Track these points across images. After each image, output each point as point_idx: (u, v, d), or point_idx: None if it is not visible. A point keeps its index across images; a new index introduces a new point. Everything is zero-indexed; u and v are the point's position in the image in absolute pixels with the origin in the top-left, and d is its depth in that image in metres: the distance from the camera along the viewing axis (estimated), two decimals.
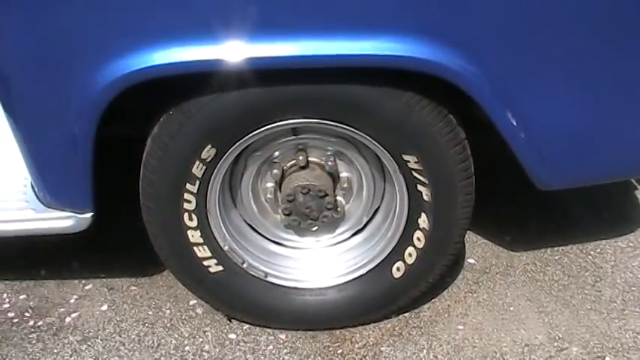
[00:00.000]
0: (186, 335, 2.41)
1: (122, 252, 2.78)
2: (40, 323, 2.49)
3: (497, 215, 2.91)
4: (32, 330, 2.47)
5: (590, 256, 2.72)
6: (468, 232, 2.74)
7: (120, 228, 2.70)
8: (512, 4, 1.78)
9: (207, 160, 2.03)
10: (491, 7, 1.78)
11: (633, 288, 2.55)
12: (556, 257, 2.72)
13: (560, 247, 2.76)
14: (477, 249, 2.78)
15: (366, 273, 2.31)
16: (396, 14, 1.78)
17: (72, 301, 2.60)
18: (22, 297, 2.62)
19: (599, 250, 2.75)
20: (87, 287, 2.66)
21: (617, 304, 2.48)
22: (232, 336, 2.40)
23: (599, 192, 3.01)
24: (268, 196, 2.28)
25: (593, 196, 3.02)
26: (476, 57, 1.84)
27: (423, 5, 1.77)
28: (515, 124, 1.94)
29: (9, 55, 1.87)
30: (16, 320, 2.51)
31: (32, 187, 2.20)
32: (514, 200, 2.98)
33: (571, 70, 1.92)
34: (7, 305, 2.59)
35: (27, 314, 2.54)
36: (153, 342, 2.39)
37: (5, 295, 2.64)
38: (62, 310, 2.56)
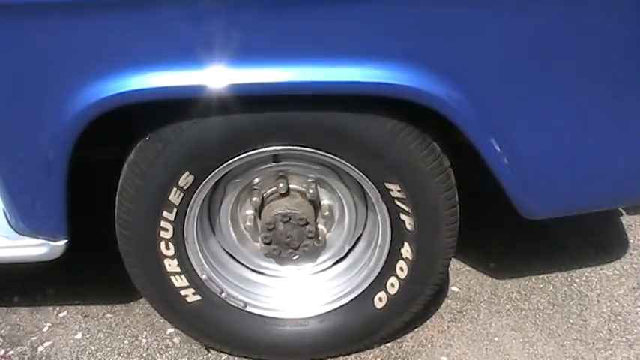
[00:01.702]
0: None
1: (98, 278, 2.71)
2: (10, 352, 2.42)
3: (482, 241, 2.88)
4: (2, 359, 2.39)
5: (575, 284, 2.68)
6: (452, 258, 2.69)
7: (96, 253, 2.64)
8: (497, 31, 1.74)
9: (185, 188, 1.98)
10: (475, 35, 1.74)
11: (619, 317, 2.51)
12: (541, 285, 2.68)
13: (546, 275, 2.73)
14: (461, 276, 2.74)
15: (348, 303, 2.26)
16: (380, 41, 1.74)
17: (45, 329, 2.53)
18: None
19: (584, 277, 2.72)
20: (61, 314, 2.59)
21: (602, 333, 2.45)
22: None
23: (585, 218, 2.95)
24: (248, 224, 2.22)
25: (579, 223, 2.98)
26: (460, 84, 1.80)
27: (407, 32, 1.73)
28: (499, 151, 1.91)
29: None
30: None
31: (4, 213, 2.14)
32: (499, 226, 2.93)
33: (557, 99, 1.88)
34: None
35: None
36: None
37: None
38: (34, 338, 2.49)
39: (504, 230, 2.93)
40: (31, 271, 2.44)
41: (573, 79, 1.86)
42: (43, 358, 2.40)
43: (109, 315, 2.58)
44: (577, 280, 2.71)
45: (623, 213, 3.04)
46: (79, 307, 2.62)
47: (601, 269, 2.76)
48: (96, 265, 2.73)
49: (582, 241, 2.92)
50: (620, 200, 2.32)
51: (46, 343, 2.46)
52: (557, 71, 1.84)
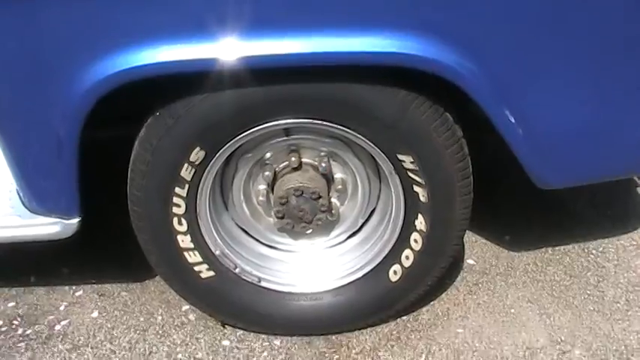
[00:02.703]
0: (179, 342, 2.35)
1: (113, 257, 2.72)
2: (29, 332, 2.43)
3: (497, 214, 2.86)
4: (21, 339, 2.41)
5: (592, 256, 2.66)
6: (467, 231, 2.67)
7: (111, 232, 2.65)
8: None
9: (197, 163, 1.97)
10: (488, 3, 1.72)
11: (637, 288, 2.49)
12: (557, 257, 2.66)
13: (562, 247, 2.70)
14: (477, 249, 2.72)
15: (363, 276, 2.25)
16: (392, 10, 1.72)
17: (62, 308, 2.54)
18: (10, 305, 2.56)
19: (601, 249, 2.69)
20: (77, 294, 2.60)
21: (620, 304, 2.43)
22: (226, 342, 2.34)
23: (602, 189, 2.95)
24: (260, 198, 2.22)
25: (596, 194, 2.96)
26: (473, 54, 1.79)
27: (419, 1, 1.71)
28: (513, 121, 1.89)
29: None
30: (4, 329, 2.45)
31: (18, 193, 2.14)
32: (514, 198, 2.92)
33: (571, 68, 1.87)
34: None
35: (15, 322, 2.48)
36: (144, 349, 2.33)
37: None
38: (52, 317, 2.50)
39: (520, 202, 2.91)
40: (47, 252, 2.45)
41: (588, 48, 1.84)
42: (60, 336, 2.41)
43: (125, 293, 2.59)
44: (594, 251, 2.69)
45: None
46: (95, 286, 2.63)
47: (618, 240, 2.74)
48: (111, 244, 2.73)
49: (599, 212, 2.90)
50: (635, 169, 2.28)
51: (63, 322, 2.47)
52: (571, 40, 1.82)
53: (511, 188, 2.79)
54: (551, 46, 1.81)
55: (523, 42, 1.80)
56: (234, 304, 2.28)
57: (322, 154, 2.16)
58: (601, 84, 1.91)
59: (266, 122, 1.92)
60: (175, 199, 2.03)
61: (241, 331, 2.37)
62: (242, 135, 1.94)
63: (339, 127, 1.94)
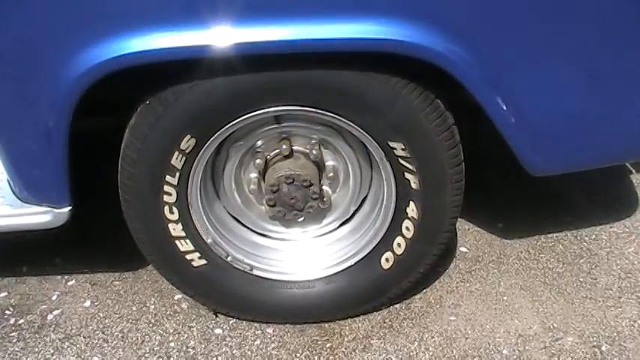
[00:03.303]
0: (171, 331, 2.35)
1: (106, 246, 2.71)
2: (21, 321, 2.43)
3: (490, 201, 2.86)
4: (13, 328, 2.40)
5: (584, 243, 2.66)
6: (460, 219, 2.69)
7: (104, 222, 2.64)
8: None
9: (187, 151, 1.97)
10: None
11: (629, 275, 2.49)
12: (550, 244, 2.66)
13: (554, 234, 2.71)
14: (469, 237, 2.72)
15: (355, 264, 2.25)
16: None
17: (54, 297, 2.53)
18: (2, 295, 2.55)
19: (593, 236, 2.70)
20: (69, 283, 2.59)
21: (612, 291, 2.43)
22: (218, 331, 2.34)
23: (594, 176, 2.95)
24: (252, 186, 2.21)
25: (588, 181, 2.96)
26: (464, 40, 1.78)
27: None
28: (505, 108, 1.89)
29: None
30: None
31: (8, 182, 2.13)
32: (506, 186, 2.91)
33: (563, 54, 1.87)
34: None
35: (8, 312, 2.47)
36: (137, 338, 2.33)
37: None
38: (44, 307, 2.49)
39: (512, 190, 2.91)
40: (39, 242, 2.45)
41: (580, 35, 1.84)
42: (53, 326, 2.40)
43: (117, 282, 2.59)
44: (586, 238, 2.69)
45: (633, 171, 3.01)
46: (87, 275, 2.62)
47: (611, 227, 2.74)
48: (103, 233, 2.72)
49: (591, 199, 2.90)
50: (626, 155, 2.29)
51: (56, 312, 2.46)
52: (563, 27, 1.82)
53: (504, 175, 2.79)
54: (543, 32, 1.81)
55: (514, 28, 1.79)
56: (226, 292, 2.27)
57: (313, 141, 2.15)
58: (593, 70, 1.91)
59: (256, 110, 1.91)
60: (166, 188, 2.03)
61: (234, 320, 2.37)
62: (232, 123, 1.94)
63: (329, 114, 1.93)
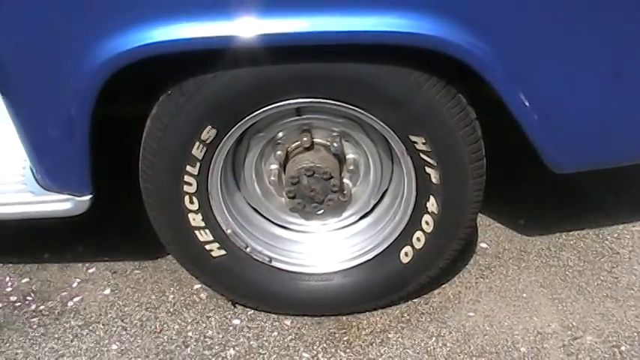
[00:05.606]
0: (190, 320, 2.36)
1: (127, 235, 2.74)
2: (41, 307, 2.45)
3: (511, 197, 2.84)
4: (34, 314, 2.42)
5: (607, 241, 2.64)
6: (481, 214, 2.67)
7: (125, 211, 2.66)
8: None
9: (208, 142, 1.97)
10: None
11: None
12: (571, 242, 2.64)
13: (576, 232, 2.68)
14: (490, 232, 2.71)
15: (373, 258, 2.24)
16: None
17: (74, 284, 2.55)
18: (24, 280, 2.58)
19: (616, 234, 2.67)
20: (90, 271, 2.61)
21: (634, 291, 2.40)
22: (236, 322, 2.35)
23: (617, 175, 2.92)
24: (272, 178, 2.21)
25: (612, 178, 2.93)
26: (487, 34, 1.77)
27: None
28: (527, 104, 1.87)
29: (3, 36, 1.80)
30: (18, 304, 2.47)
31: (31, 170, 2.15)
32: (529, 182, 2.89)
33: (587, 50, 1.84)
34: (9, 289, 2.55)
35: (29, 298, 2.50)
36: (155, 327, 2.34)
37: (8, 278, 2.60)
38: (64, 294, 2.51)
39: (534, 186, 2.89)
40: (61, 229, 2.46)
41: (604, 32, 1.82)
42: (73, 313, 2.42)
43: (137, 271, 2.60)
44: (609, 237, 2.66)
45: None
46: (108, 263, 2.64)
47: (633, 226, 2.71)
48: (124, 222, 2.74)
49: (615, 198, 2.87)
50: None
51: (76, 299, 2.48)
52: (588, 23, 1.80)
53: (526, 172, 2.76)
54: (567, 28, 1.80)
55: (538, 23, 1.78)
56: (245, 283, 2.28)
57: (334, 134, 2.15)
58: (617, 66, 1.89)
59: (278, 101, 1.91)
60: (187, 178, 2.04)
61: (252, 311, 2.38)
62: (253, 114, 1.94)
63: (351, 107, 1.93)
